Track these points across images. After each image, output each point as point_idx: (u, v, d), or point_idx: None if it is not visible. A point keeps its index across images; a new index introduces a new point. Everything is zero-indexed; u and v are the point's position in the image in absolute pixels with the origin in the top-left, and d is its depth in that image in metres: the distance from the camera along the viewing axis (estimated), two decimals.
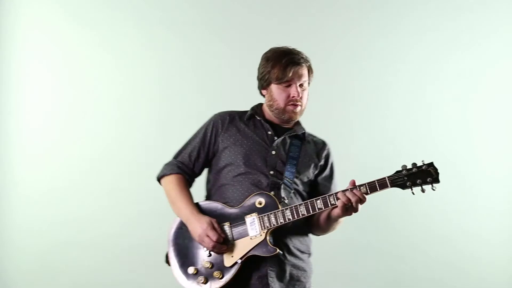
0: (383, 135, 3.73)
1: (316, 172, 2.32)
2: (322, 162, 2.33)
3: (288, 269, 2.18)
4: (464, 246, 3.67)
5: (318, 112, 3.63)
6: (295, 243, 2.21)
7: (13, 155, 3.69)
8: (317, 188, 2.32)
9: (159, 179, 2.33)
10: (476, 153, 3.74)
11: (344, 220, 2.24)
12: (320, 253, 3.60)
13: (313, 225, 2.28)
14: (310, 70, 2.29)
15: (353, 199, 2.04)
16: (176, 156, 2.34)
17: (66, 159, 3.69)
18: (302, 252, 2.24)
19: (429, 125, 3.76)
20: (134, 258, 3.59)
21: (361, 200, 2.06)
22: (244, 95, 3.70)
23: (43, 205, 3.64)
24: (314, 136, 2.40)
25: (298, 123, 2.36)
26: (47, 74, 3.76)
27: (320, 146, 2.36)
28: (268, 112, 2.33)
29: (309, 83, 2.30)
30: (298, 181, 2.25)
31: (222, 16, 3.80)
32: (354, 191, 2.05)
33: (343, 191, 2.07)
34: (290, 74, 2.21)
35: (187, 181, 2.30)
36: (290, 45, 2.29)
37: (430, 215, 3.68)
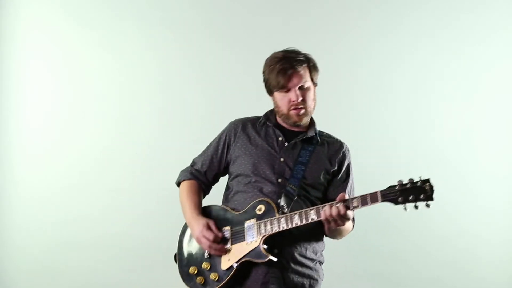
0: (382, 135, 3.73)
1: (329, 177, 2.29)
2: (335, 168, 2.29)
3: (291, 276, 2.17)
4: (464, 246, 3.66)
5: (317, 111, 3.64)
6: (301, 250, 2.20)
7: (13, 155, 3.69)
8: (329, 192, 2.29)
9: (178, 185, 2.43)
10: (476, 153, 3.74)
11: (350, 228, 2.25)
12: None
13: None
14: (311, 69, 2.26)
15: (333, 214, 2.01)
16: (192, 164, 2.42)
17: (66, 159, 3.69)
18: (310, 259, 2.23)
19: (429, 125, 3.75)
20: (134, 258, 3.59)
21: (341, 216, 2.01)
22: (244, 95, 3.73)
23: (43, 205, 3.64)
24: (331, 137, 2.37)
25: (312, 124, 2.33)
26: (47, 74, 3.76)
27: (334, 149, 2.32)
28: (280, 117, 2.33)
29: (314, 82, 2.27)
30: (306, 187, 2.23)
31: (222, 16, 3.80)
32: (334, 207, 2.02)
33: (330, 204, 2.04)
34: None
35: (200, 187, 2.38)
36: (292, 46, 2.27)
37: (430, 215, 3.67)
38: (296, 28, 3.72)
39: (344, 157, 2.33)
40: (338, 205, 2.02)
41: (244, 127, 2.35)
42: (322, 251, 2.31)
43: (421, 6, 3.82)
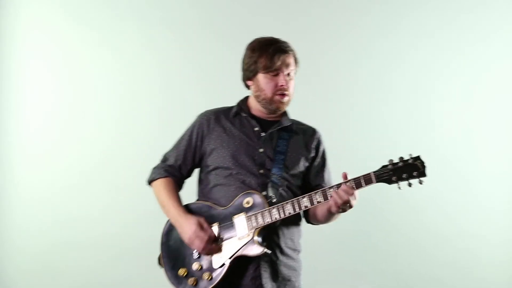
0: (383, 134, 3.73)
1: (307, 164, 2.27)
2: (312, 154, 2.28)
3: (280, 269, 2.16)
4: (464, 246, 3.67)
5: (317, 111, 3.64)
6: (287, 242, 2.19)
7: (13, 155, 3.69)
8: (309, 179, 2.27)
9: (149, 183, 2.33)
10: (476, 152, 3.74)
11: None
12: (320, 251, 3.61)
13: (310, 216, 2.25)
14: (296, 60, 2.23)
15: (344, 197, 1.99)
16: (164, 160, 2.33)
17: (66, 159, 3.69)
18: (293, 250, 2.21)
19: (429, 125, 3.76)
20: (134, 258, 3.59)
21: (350, 197, 1.99)
22: (244, 95, 3.72)
23: (43, 205, 3.64)
24: (303, 125, 2.33)
25: (285, 114, 2.29)
26: (47, 74, 3.76)
27: (309, 135, 2.30)
28: (254, 106, 2.28)
29: (295, 73, 2.24)
30: (288, 177, 2.19)
31: (222, 16, 3.80)
32: (341, 190, 2.00)
33: (331, 187, 2.02)
34: (278, 63, 2.16)
35: (176, 184, 2.28)
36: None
37: (430, 215, 3.68)
38: (296, 28, 3.71)
39: (319, 143, 2.31)
40: (343, 187, 1.99)
41: (218, 118, 2.28)
42: (300, 241, 2.29)
43: (421, 6, 3.82)
